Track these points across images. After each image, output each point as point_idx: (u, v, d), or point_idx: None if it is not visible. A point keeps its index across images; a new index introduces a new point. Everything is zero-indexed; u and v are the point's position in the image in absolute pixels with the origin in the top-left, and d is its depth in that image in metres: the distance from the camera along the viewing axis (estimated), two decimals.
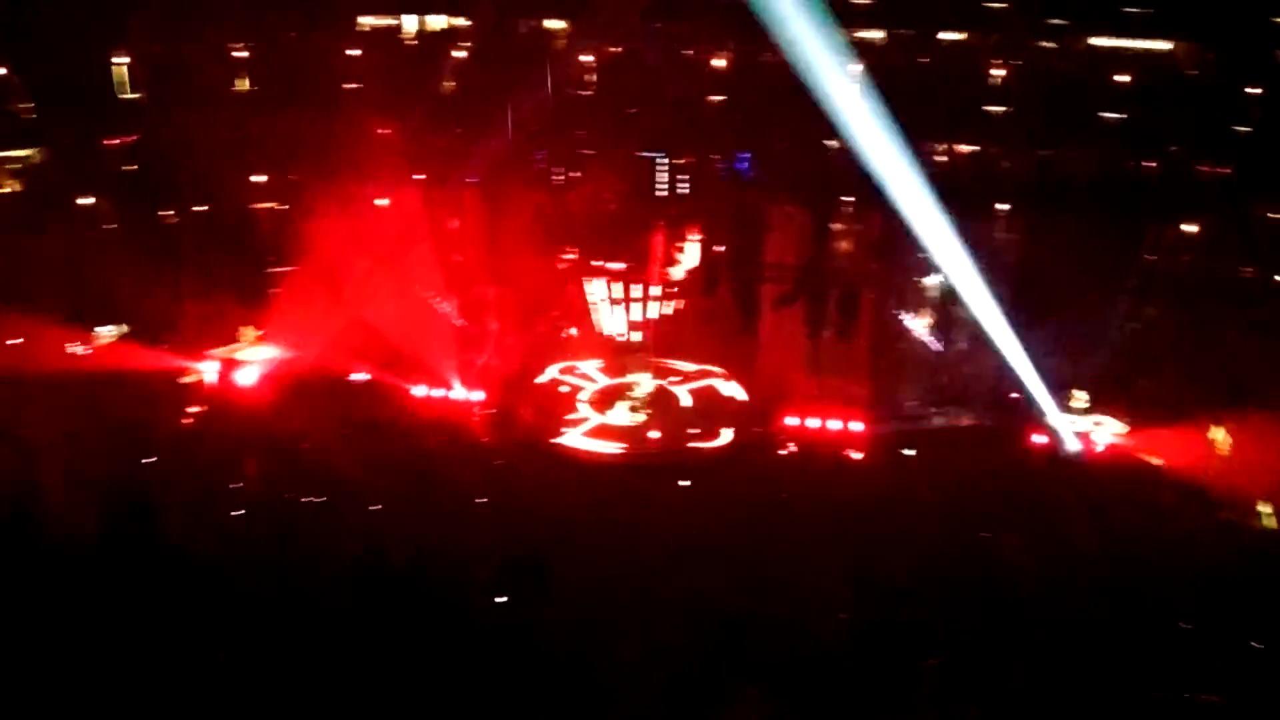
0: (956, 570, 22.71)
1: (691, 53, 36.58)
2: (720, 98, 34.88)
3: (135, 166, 34.21)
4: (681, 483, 26.05)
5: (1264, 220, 29.97)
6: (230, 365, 30.58)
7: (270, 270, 32.60)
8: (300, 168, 30.85)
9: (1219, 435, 27.25)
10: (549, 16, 37.22)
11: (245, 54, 36.32)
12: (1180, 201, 30.22)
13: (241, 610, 16.25)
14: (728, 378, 31.26)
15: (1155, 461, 27.12)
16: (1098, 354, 29.48)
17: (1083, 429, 28.03)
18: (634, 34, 35.82)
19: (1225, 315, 28.77)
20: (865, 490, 25.63)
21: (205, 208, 32.97)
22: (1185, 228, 30.54)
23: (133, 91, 35.73)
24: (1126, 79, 33.29)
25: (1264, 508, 24.34)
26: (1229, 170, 31.39)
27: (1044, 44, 33.90)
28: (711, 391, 31.02)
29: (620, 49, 36.38)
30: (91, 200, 33.54)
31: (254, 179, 31.85)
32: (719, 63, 35.79)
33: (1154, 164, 32.13)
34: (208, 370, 30.40)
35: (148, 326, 31.36)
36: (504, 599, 18.32)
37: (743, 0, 33.47)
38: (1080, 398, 28.45)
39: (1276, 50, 31.39)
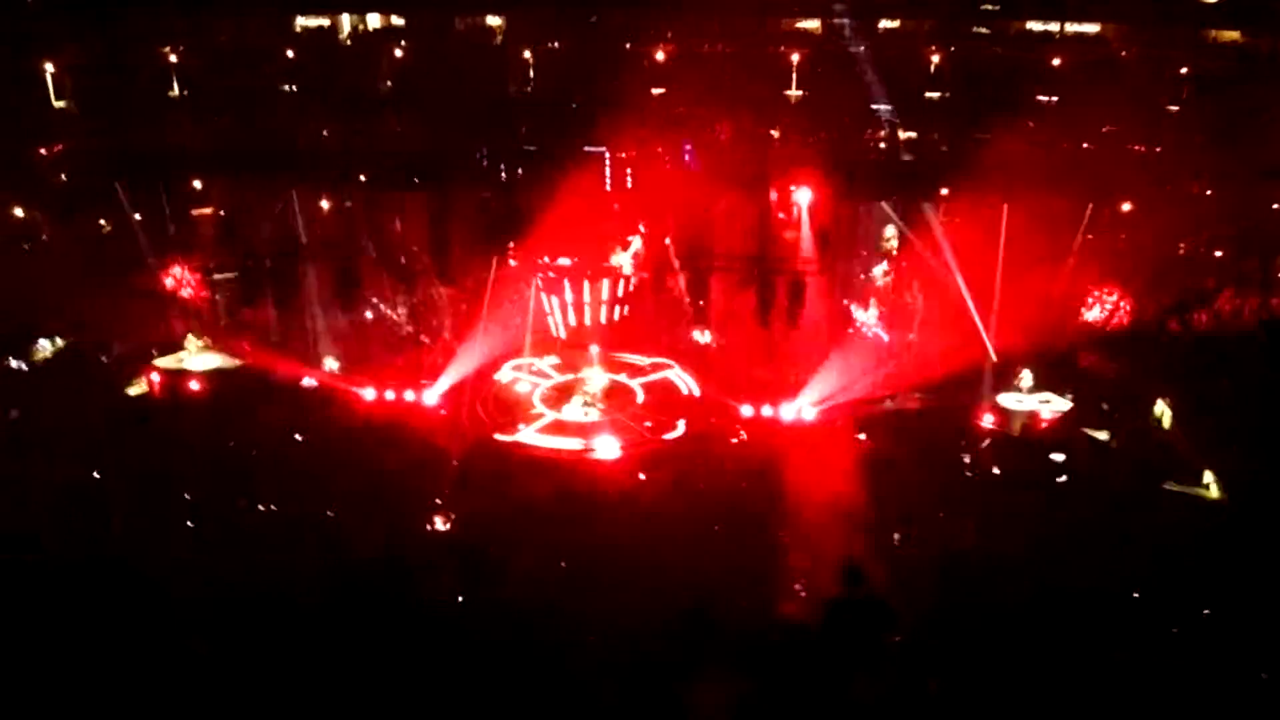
0: (912, 550, 23.12)
1: (629, 45, 36.77)
2: (661, 90, 35.05)
3: (65, 176, 33.58)
4: (639, 475, 26.18)
5: (1197, 197, 30.70)
6: (177, 375, 30.10)
7: (214, 277, 32.11)
8: (239, 171, 30.39)
9: (1161, 409, 27.91)
10: (487, 13, 37.17)
11: (175, 59, 35.83)
12: (1116, 180, 30.84)
13: (202, 621, 15.99)
14: (679, 369, 31.42)
15: (1100, 436, 27.71)
16: (1041, 332, 30.00)
17: (1029, 407, 28.53)
18: (573, 28, 35.91)
19: (1162, 291, 29.46)
20: (819, 475, 25.84)
21: (140, 216, 32.36)
22: (1121, 206, 31.19)
23: (59, 100, 35.09)
24: (1059, 61, 33.98)
25: (1207, 478, 24.97)
26: (1160, 148, 32.17)
27: (979, 29, 34.52)
28: (665, 384, 31.15)
29: (559, 44, 36.41)
30: (22, 212, 32.89)
31: (192, 184, 31.27)
32: (659, 55, 36.00)
33: (1088, 144, 32.81)
34: (155, 380, 29.92)
35: (89, 339, 30.80)
36: (463, 597, 18.27)
37: None
38: (1025, 376, 28.92)
39: (1204, 30, 32.26)
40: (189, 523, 23.02)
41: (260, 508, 23.54)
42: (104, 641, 13.67)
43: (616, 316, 30.61)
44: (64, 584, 14.34)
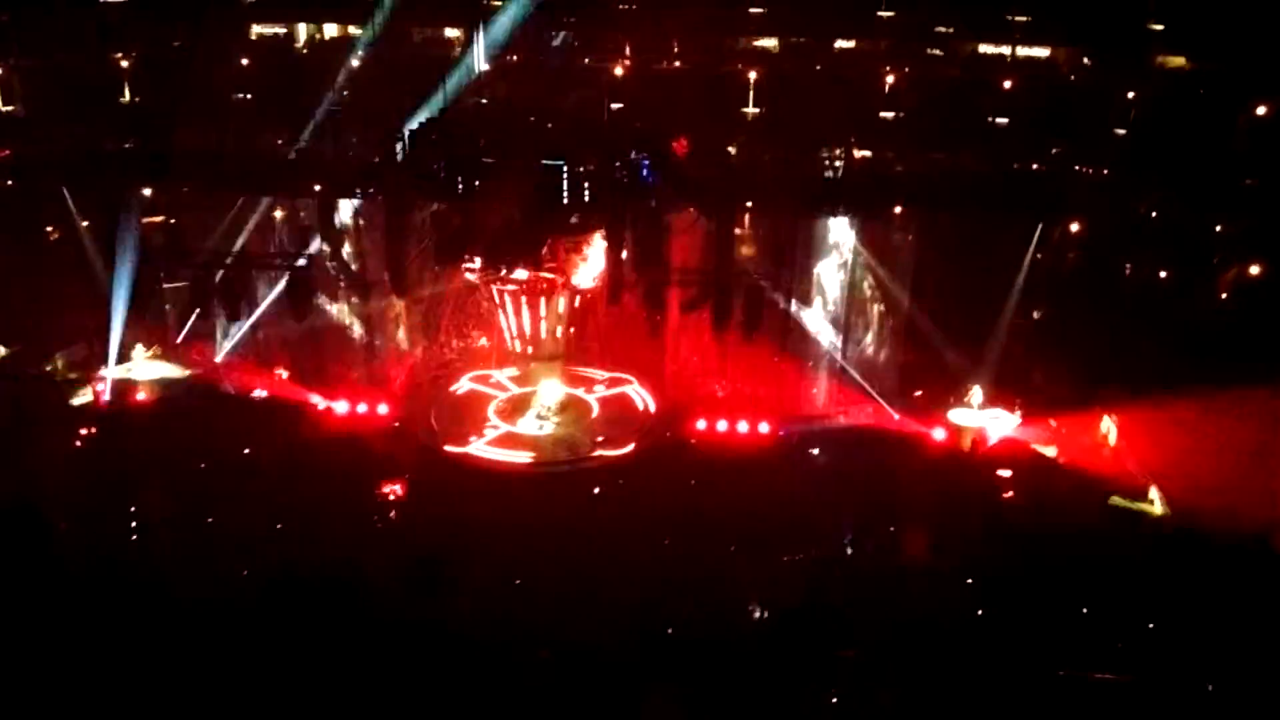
0: (864, 564, 23.30)
1: (588, 61, 36.88)
2: (619, 105, 35.17)
3: (12, 182, 32.98)
4: (594, 490, 26.15)
5: (1143, 217, 31.31)
6: (124, 385, 29.59)
7: (164, 286, 31.63)
8: (191, 180, 29.98)
9: (1108, 425, 28.37)
10: (445, 25, 37.06)
11: (127, 64, 35.33)
12: (1064, 201, 31.40)
13: (148, 633, 15.72)
14: (637, 384, 31.43)
15: (1048, 452, 28.09)
16: (991, 349, 30.39)
17: (979, 423, 28.85)
18: (532, 42, 35.90)
19: (1110, 309, 29.95)
20: (773, 490, 25.92)
21: (88, 223, 31.83)
22: (1070, 226, 31.72)
23: (7, 104, 34.49)
24: (1010, 84, 34.57)
25: (1153, 494, 25.40)
26: (1108, 170, 32.81)
27: (932, 51, 35.01)
28: (621, 398, 31.13)
29: (518, 57, 36.38)
30: None
31: (143, 192, 30.72)
32: (618, 70, 36.13)
33: (1038, 165, 33.39)
34: (101, 390, 29.39)
35: (35, 347, 30.21)
36: (414, 608, 18.14)
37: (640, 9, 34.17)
38: (975, 393, 29.25)
39: (1151, 56, 32.97)
40: (133, 535, 22.69)
41: (208, 520, 23.21)
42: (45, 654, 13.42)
43: (573, 330, 30.53)
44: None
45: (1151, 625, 19.51)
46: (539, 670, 16.17)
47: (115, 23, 33.50)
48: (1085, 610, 20.00)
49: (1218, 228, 31.32)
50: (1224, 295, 30.66)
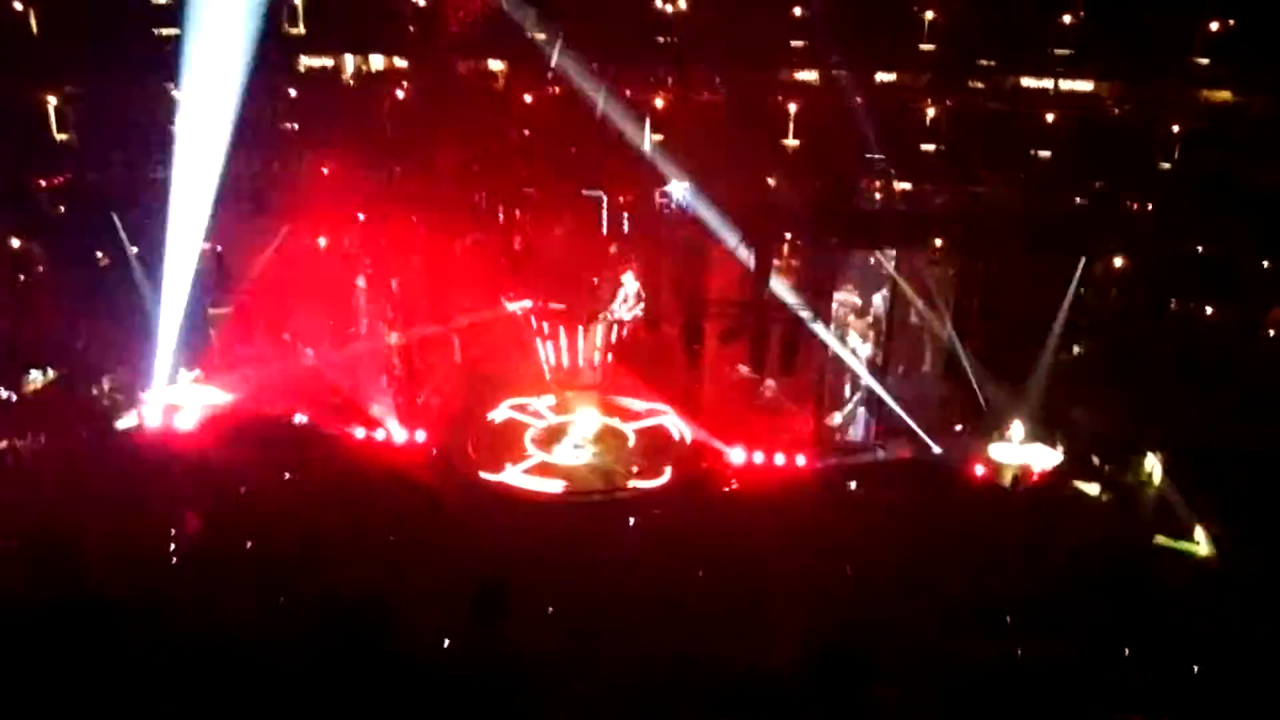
0: (902, 601, 23.00)
1: (629, 93, 37.17)
2: (659, 136, 35.38)
3: (65, 208, 33.63)
4: (629, 520, 26.10)
5: (1187, 254, 30.96)
6: (168, 409, 29.98)
7: (208, 312, 32.12)
8: (238, 208, 30.44)
9: (1150, 464, 27.93)
10: (488, 57, 37.46)
11: (179, 94, 35.96)
12: (1107, 236, 31.14)
13: (184, 661, 15.81)
14: (674, 415, 31.37)
15: (1091, 490, 27.68)
16: (1032, 384, 30.09)
17: (1019, 459, 28.50)
18: (573, 74, 36.21)
19: (1154, 347, 29.57)
20: (809, 524, 25.74)
21: (138, 249, 32.42)
22: (1112, 262, 31.42)
23: (61, 132, 35.21)
24: (1053, 117, 34.40)
25: (1199, 534, 24.95)
26: (1152, 205, 32.51)
27: (974, 84, 34.89)
28: (658, 429, 31.08)
29: (559, 90, 36.73)
30: (20, 243, 32.91)
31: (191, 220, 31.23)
32: (658, 102, 36.33)
33: (1081, 200, 33.14)
34: (145, 414, 29.79)
35: (81, 371, 30.67)
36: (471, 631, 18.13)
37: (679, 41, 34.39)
38: (1016, 428, 28.94)
39: (1195, 90, 32.67)
40: (172, 559, 22.89)
41: (247, 544, 23.40)
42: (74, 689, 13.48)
43: (611, 359, 30.59)
44: (35, 629, 14.15)
45: (1195, 668, 19.12)
46: (570, 702, 16.10)
47: (168, 53, 34.07)
48: (1127, 652, 19.65)
49: (1265, 264, 30.94)
50: (1272, 334, 30.21)
